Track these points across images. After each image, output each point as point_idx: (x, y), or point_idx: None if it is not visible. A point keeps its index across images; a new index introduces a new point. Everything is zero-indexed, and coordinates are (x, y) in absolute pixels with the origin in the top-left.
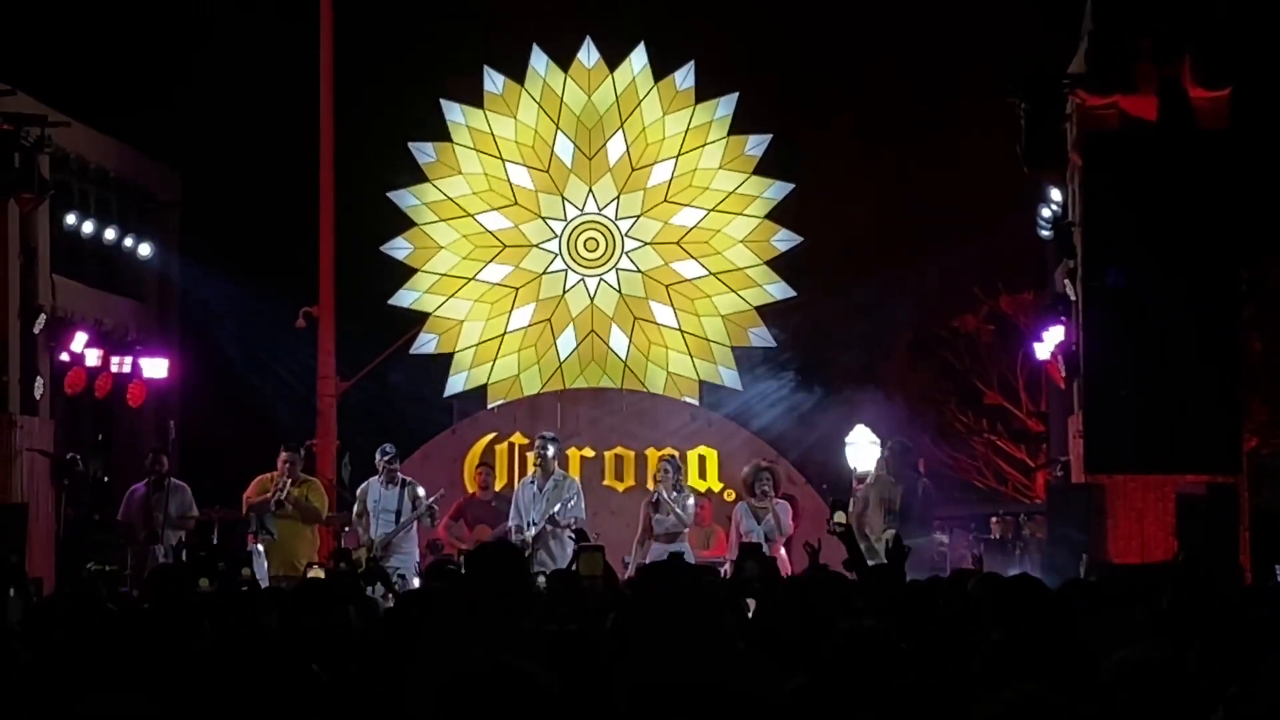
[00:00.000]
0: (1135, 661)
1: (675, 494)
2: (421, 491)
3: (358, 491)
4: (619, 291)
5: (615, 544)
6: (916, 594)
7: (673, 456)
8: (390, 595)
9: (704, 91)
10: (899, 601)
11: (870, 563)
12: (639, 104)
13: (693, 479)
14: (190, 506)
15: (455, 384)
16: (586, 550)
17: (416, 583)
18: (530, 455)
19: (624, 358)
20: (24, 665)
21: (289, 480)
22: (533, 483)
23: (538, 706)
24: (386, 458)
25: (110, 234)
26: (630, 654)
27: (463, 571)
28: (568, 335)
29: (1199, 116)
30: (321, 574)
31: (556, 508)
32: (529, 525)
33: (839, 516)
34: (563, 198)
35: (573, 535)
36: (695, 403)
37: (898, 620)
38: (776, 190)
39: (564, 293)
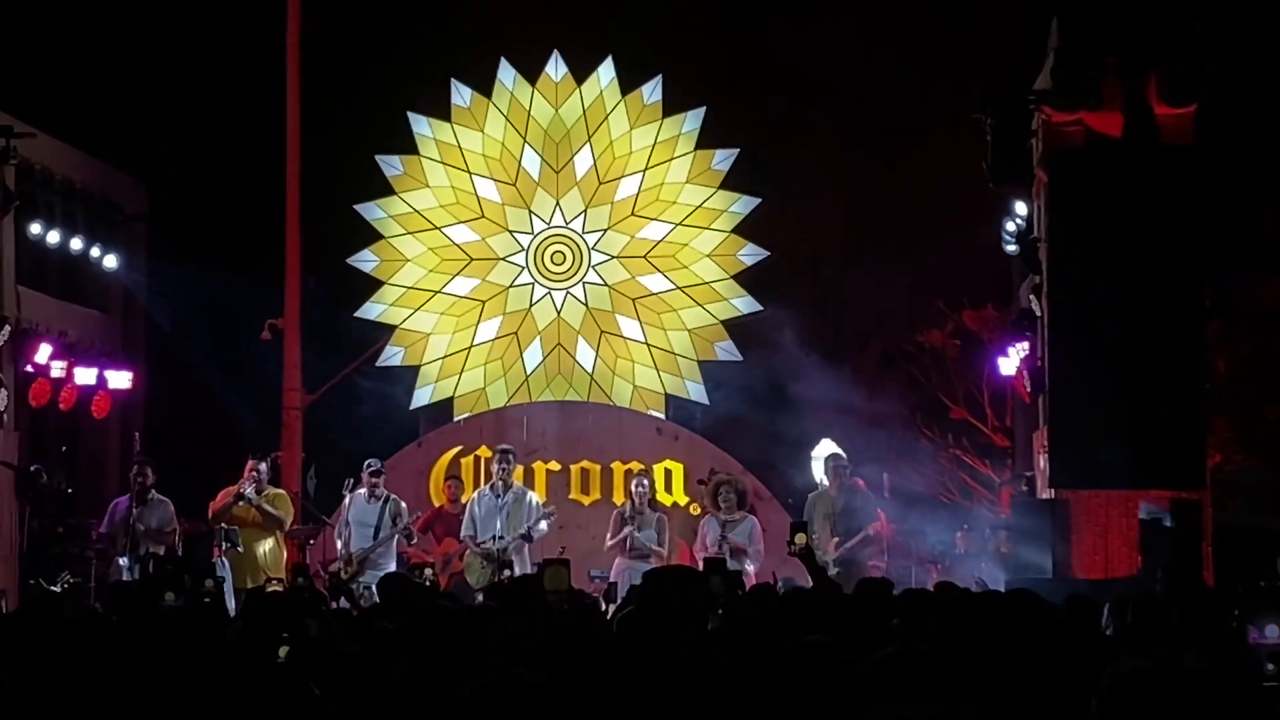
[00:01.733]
0: (1130, 674)
1: (651, 512)
2: (404, 507)
3: (343, 503)
4: (585, 305)
5: (581, 558)
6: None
7: (644, 472)
8: (355, 610)
9: (671, 105)
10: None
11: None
12: (606, 118)
13: (659, 493)
14: (170, 521)
15: (421, 397)
16: (552, 565)
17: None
18: (493, 468)
19: (590, 371)
20: None
21: (253, 487)
22: (496, 496)
23: (544, 712)
24: (370, 470)
25: (76, 245)
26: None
27: (427, 584)
28: (534, 348)
29: (1164, 133)
30: (280, 590)
31: (532, 522)
32: (494, 539)
33: (799, 539)
34: (530, 211)
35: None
36: (661, 416)
37: (848, 635)
38: (743, 205)
39: (530, 306)
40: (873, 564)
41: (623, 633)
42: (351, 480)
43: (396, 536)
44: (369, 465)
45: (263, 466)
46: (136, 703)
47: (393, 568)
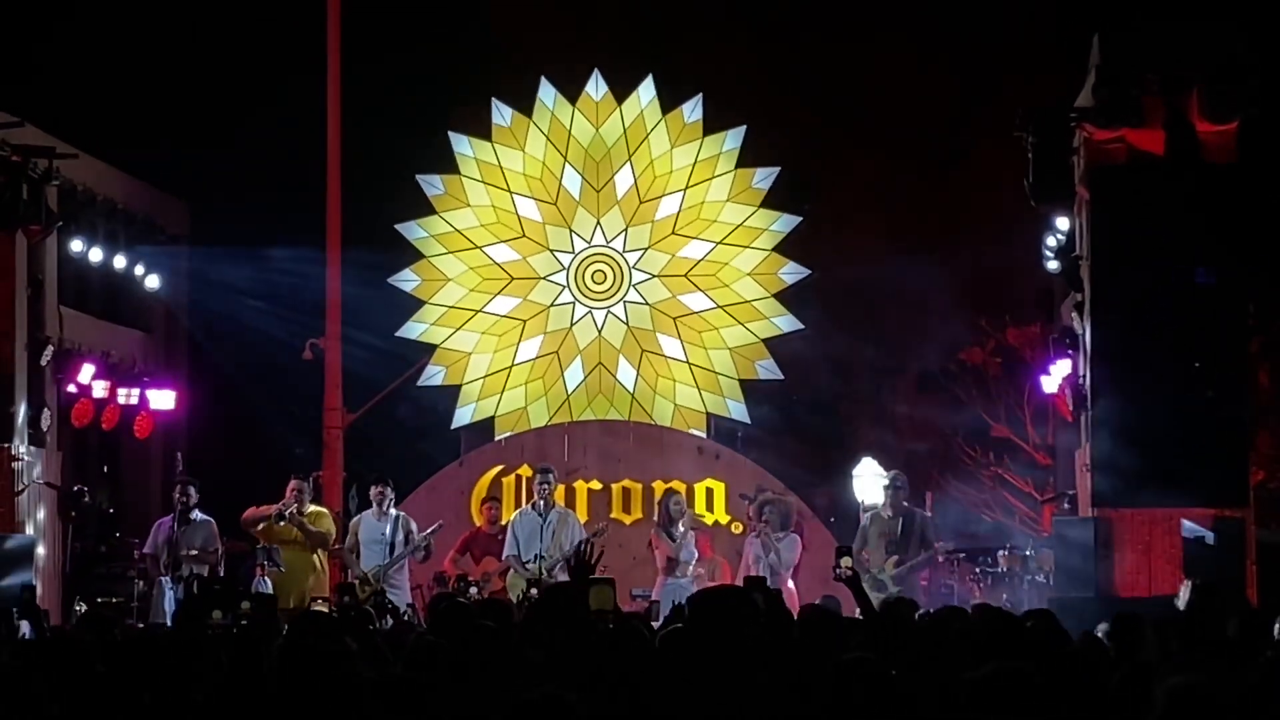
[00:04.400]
0: (1187, 689)
1: (682, 528)
2: (414, 525)
3: (350, 524)
4: (626, 324)
5: (622, 577)
6: (917, 629)
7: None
8: (396, 624)
9: (712, 124)
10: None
11: (879, 595)
12: (647, 136)
13: (700, 511)
14: (213, 541)
15: (463, 416)
16: (598, 584)
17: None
18: (534, 488)
19: (631, 390)
20: (37, 694)
21: (295, 506)
22: (539, 515)
23: None
24: (377, 487)
25: (118, 266)
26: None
27: (471, 604)
28: (575, 367)
29: (1206, 150)
30: (324, 610)
31: (576, 544)
32: (536, 558)
33: (845, 562)
34: (570, 230)
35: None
36: (703, 435)
37: (895, 654)
38: (784, 223)
39: (571, 325)
40: (923, 584)
41: (667, 651)
42: (356, 502)
43: (410, 554)
44: (377, 481)
45: (305, 486)
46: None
47: (407, 586)
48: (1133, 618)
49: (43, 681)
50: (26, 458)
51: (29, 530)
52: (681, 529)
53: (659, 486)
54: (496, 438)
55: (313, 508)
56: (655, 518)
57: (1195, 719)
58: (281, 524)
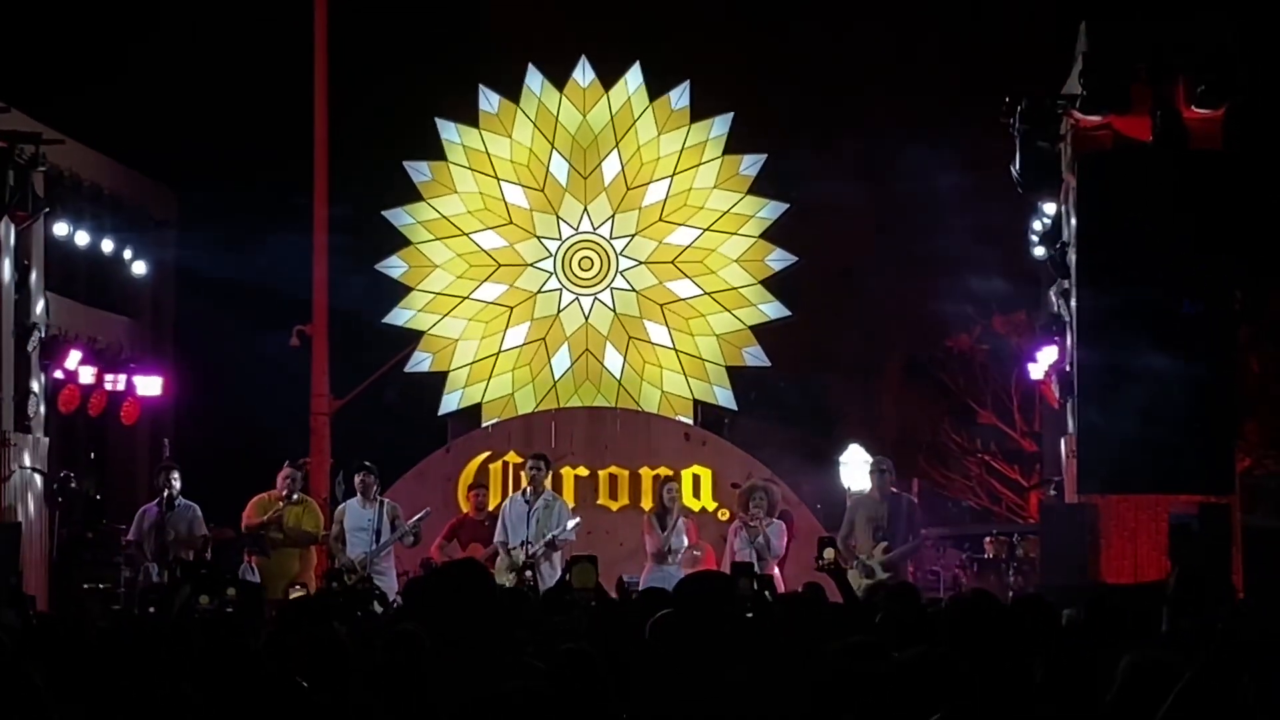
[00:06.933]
0: (1146, 664)
1: (672, 519)
2: (400, 512)
3: (335, 513)
4: (613, 311)
5: (609, 563)
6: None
7: (672, 477)
8: (384, 610)
9: (699, 111)
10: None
11: (867, 581)
12: (634, 123)
13: (687, 498)
14: (199, 526)
15: (449, 403)
16: (579, 562)
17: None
18: (524, 474)
19: (618, 377)
20: (24, 681)
21: (281, 502)
22: (525, 501)
23: None
24: (361, 475)
25: (105, 251)
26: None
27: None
28: (562, 354)
29: (1193, 137)
30: (304, 594)
31: (557, 530)
32: (522, 544)
33: (827, 554)
34: (558, 217)
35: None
36: (690, 422)
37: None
38: (771, 210)
39: (559, 312)
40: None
41: (656, 638)
42: (343, 489)
43: (397, 540)
44: (361, 468)
45: (298, 475)
46: (169, 705)
47: (394, 572)
48: (1101, 600)
49: (28, 669)
50: (14, 443)
51: (15, 517)
52: (672, 519)
53: (646, 473)
54: (483, 424)
55: (302, 497)
56: (651, 507)
57: (1153, 693)
58: (273, 530)
